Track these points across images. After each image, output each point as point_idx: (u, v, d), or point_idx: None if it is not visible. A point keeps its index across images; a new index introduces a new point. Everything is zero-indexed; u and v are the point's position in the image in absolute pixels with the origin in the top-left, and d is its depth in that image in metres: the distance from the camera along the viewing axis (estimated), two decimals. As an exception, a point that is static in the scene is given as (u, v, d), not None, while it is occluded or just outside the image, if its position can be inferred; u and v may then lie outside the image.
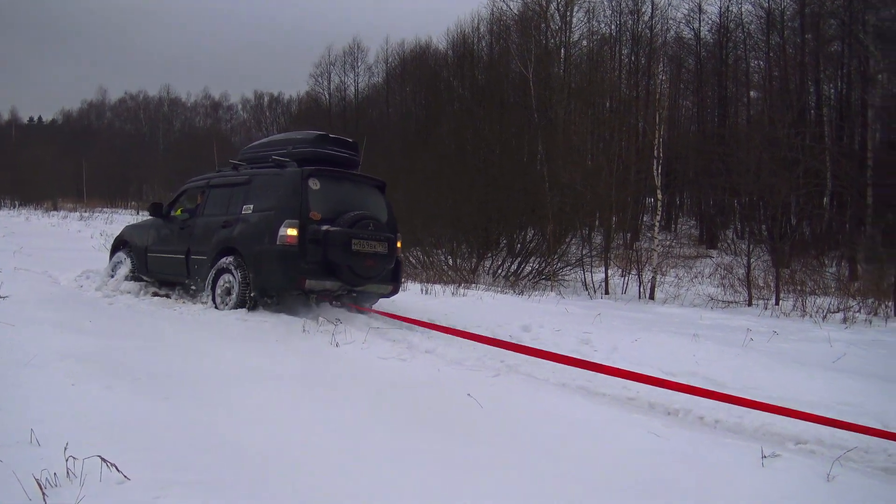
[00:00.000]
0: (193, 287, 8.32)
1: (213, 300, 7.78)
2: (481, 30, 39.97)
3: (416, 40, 49.14)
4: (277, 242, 7.26)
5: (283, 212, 7.39)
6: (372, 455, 3.41)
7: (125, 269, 9.26)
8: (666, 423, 4.39)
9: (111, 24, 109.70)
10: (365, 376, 5.18)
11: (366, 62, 55.33)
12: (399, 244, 8.26)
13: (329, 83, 55.97)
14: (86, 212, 33.11)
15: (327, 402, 4.29)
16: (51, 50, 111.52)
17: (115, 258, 9.62)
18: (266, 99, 71.66)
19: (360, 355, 5.80)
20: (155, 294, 8.84)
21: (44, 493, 2.59)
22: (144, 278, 9.13)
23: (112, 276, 9.35)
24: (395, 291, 8.43)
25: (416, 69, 45.64)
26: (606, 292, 16.66)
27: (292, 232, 7.27)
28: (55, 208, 39.66)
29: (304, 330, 6.72)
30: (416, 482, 3.10)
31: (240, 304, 7.44)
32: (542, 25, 32.51)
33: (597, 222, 21.78)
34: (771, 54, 30.93)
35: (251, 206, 7.77)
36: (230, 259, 7.67)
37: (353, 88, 55.47)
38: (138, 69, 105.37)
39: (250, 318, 7.12)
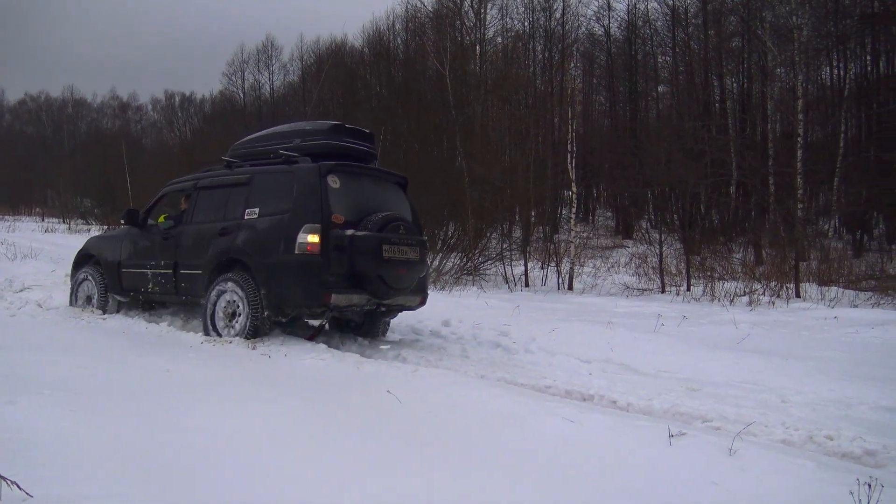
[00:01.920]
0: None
1: (213, 324, 6.67)
2: (397, 27, 39.97)
3: (332, 38, 48.59)
4: (296, 251, 6.19)
5: (300, 215, 6.31)
6: (291, 456, 3.39)
7: (89, 286, 8.27)
8: (581, 409, 4.54)
9: (4, 22, 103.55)
10: (283, 378, 5.12)
11: (280, 60, 54.62)
12: (427, 248, 7.30)
13: (243, 82, 55.10)
14: (-16, 220, 31.30)
15: (244, 406, 4.22)
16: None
17: (79, 275, 8.42)
18: (177, 99, 69.01)
19: (279, 358, 5.73)
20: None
21: (-65, 518, 2.48)
22: (118, 297, 8.11)
23: (76, 300, 8.38)
24: (422, 303, 7.34)
25: (332, 67, 45.15)
26: (526, 285, 16.96)
27: (313, 238, 6.19)
28: (-52, 217, 37.37)
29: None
30: (337, 479, 3.11)
31: (249, 329, 6.37)
32: (457, 22, 32.71)
33: (516, 216, 22.14)
34: (677, 50, 32.11)
35: (256, 210, 6.69)
36: (233, 273, 6.57)
37: (268, 87, 54.69)
38: (38, 69, 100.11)
39: (161, 324, 6.92)
